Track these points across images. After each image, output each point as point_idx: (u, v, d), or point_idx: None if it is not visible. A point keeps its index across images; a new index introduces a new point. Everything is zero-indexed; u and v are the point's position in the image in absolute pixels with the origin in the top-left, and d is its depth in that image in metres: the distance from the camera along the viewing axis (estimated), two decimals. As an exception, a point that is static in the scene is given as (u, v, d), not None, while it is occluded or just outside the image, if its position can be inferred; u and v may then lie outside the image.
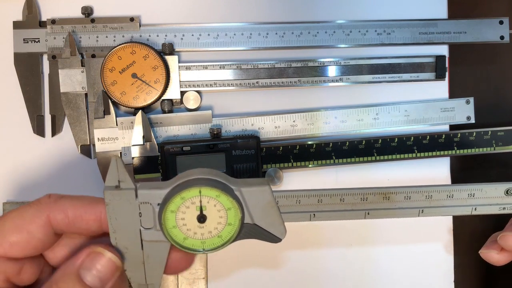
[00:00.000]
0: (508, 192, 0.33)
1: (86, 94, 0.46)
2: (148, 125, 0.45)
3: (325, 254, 0.49)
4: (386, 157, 0.48)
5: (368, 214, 0.33)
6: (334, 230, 0.49)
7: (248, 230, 0.32)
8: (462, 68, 0.50)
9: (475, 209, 0.34)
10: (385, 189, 0.33)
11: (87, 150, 0.47)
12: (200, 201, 0.31)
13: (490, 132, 0.48)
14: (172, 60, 0.46)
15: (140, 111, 0.45)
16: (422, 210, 0.33)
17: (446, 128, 0.50)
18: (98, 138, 0.46)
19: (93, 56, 0.47)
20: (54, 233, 0.31)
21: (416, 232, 0.50)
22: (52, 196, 0.31)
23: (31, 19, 0.47)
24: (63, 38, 0.46)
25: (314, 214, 0.33)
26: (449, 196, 0.33)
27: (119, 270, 0.31)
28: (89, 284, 0.29)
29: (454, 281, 0.50)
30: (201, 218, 0.31)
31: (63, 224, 0.30)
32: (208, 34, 0.48)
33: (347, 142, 0.48)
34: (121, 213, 0.31)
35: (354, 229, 0.49)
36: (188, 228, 0.31)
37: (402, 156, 0.48)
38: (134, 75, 0.46)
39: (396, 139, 0.48)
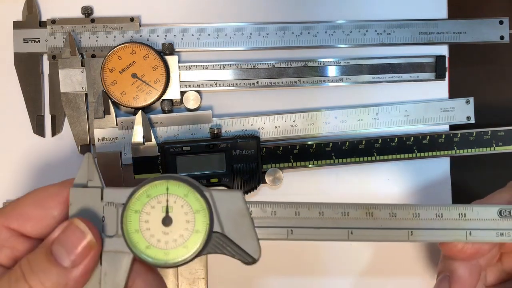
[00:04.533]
0: (502, 214, 0.31)
1: (86, 94, 0.46)
2: (148, 125, 0.45)
3: (326, 252, 0.49)
4: (386, 157, 0.48)
5: (352, 233, 0.30)
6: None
7: (217, 242, 0.29)
8: (462, 68, 0.50)
9: (470, 233, 0.31)
10: (367, 205, 0.30)
11: (87, 150, 0.47)
12: (167, 200, 0.29)
13: (490, 132, 0.48)
14: (172, 60, 0.46)
15: (140, 111, 0.45)
16: (412, 232, 0.30)
17: (446, 128, 0.50)
18: (98, 138, 0.46)
19: (93, 56, 0.47)
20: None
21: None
22: (73, 179, 0.31)
23: (31, 19, 0.47)
24: (63, 38, 0.46)
25: (291, 231, 0.30)
26: (438, 216, 0.30)
27: (94, 249, 0.28)
28: (59, 262, 0.28)
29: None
30: (167, 220, 0.29)
31: None
32: (208, 34, 0.48)
33: (347, 142, 0.48)
34: (84, 216, 0.29)
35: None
36: (151, 234, 0.29)
37: (402, 156, 0.48)
38: (134, 75, 0.46)
39: (396, 139, 0.48)
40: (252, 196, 0.48)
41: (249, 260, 0.30)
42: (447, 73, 0.49)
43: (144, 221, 0.29)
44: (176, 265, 0.29)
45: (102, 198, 0.29)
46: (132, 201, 0.29)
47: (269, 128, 0.48)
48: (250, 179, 0.46)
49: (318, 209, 0.30)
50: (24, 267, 0.28)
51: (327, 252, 0.49)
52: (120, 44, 0.46)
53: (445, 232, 0.31)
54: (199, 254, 0.29)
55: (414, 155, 0.48)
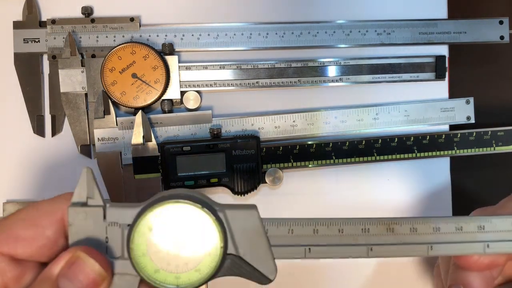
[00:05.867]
0: None
1: (86, 94, 0.46)
2: (148, 125, 0.45)
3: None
4: (386, 157, 0.48)
5: (371, 250, 0.28)
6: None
7: (231, 264, 0.27)
8: (462, 68, 0.50)
9: (488, 246, 0.30)
10: (388, 219, 0.29)
11: (87, 150, 0.47)
12: None
13: (490, 132, 0.48)
14: (172, 60, 0.46)
15: (140, 111, 0.45)
16: (432, 247, 0.29)
17: (446, 128, 0.50)
18: (98, 138, 0.46)
19: (93, 56, 0.47)
20: (65, 238, 0.28)
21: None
22: (69, 194, 0.29)
23: (31, 19, 0.47)
24: (63, 38, 0.46)
25: (309, 249, 0.28)
26: (458, 229, 0.30)
27: (105, 280, 0.26)
28: None
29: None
30: (177, 244, 0.27)
31: None
32: (208, 34, 0.48)
33: (347, 142, 0.48)
34: (86, 236, 0.27)
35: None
36: (160, 257, 0.27)
37: (402, 156, 0.48)
38: (134, 75, 0.46)
39: (396, 139, 0.48)
40: (252, 196, 0.48)
41: (265, 281, 0.28)
42: (447, 73, 0.49)
43: (153, 244, 0.27)
44: None
45: (104, 217, 0.27)
46: (139, 222, 0.27)
47: (269, 128, 0.48)
48: (250, 179, 0.46)
49: (337, 226, 0.28)
50: None
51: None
52: (120, 44, 0.46)
53: (463, 245, 0.30)
54: (212, 277, 0.27)
55: (414, 155, 0.48)
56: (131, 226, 0.27)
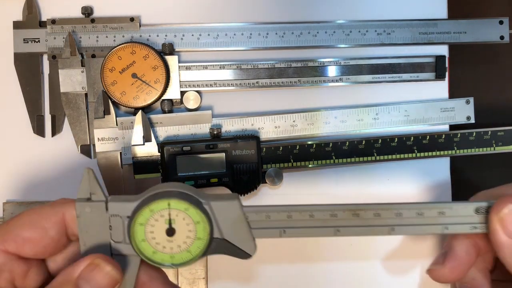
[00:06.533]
0: (478, 211, 0.32)
1: (86, 94, 0.46)
2: (148, 125, 0.45)
3: (326, 253, 0.49)
4: (386, 157, 0.48)
5: (339, 231, 0.32)
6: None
7: (217, 245, 0.32)
8: (462, 68, 0.50)
9: (447, 228, 0.32)
10: (354, 206, 0.32)
11: (87, 150, 0.47)
12: (169, 214, 0.31)
13: (490, 132, 0.48)
14: (172, 60, 0.46)
15: (140, 111, 0.45)
16: (393, 228, 0.32)
17: (446, 128, 0.50)
18: (98, 138, 0.46)
19: (93, 56, 0.47)
20: (66, 236, 0.31)
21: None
22: (67, 199, 0.32)
23: (31, 19, 0.47)
24: (63, 38, 0.46)
25: (284, 231, 0.32)
26: (419, 214, 0.32)
27: (118, 283, 0.30)
28: None
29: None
30: (170, 232, 0.31)
31: (75, 226, 0.31)
32: (208, 34, 0.48)
33: (347, 142, 0.48)
34: (92, 226, 0.31)
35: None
36: (157, 242, 0.31)
37: (402, 156, 0.48)
38: (134, 75, 0.46)
39: (396, 139, 0.48)
40: (252, 196, 0.48)
41: (247, 256, 0.32)
42: (447, 73, 0.49)
43: (149, 232, 0.31)
44: (181, 266, 0.32)
45: (107, 209, 0.31)
46: (137, 216, 0.30)
47: (269, 128, 0.48)
48: (250, 179, 0.46)
49: (308, 212, 0.32)
50: None
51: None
52: (120, 44, 0.46)
53: (423, 227, 0.32)
54: (201, 256, 0.31)
55: (414, 155, 0.48)
56: (130, 219, 0.31)
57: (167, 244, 0.31)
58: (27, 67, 0.47)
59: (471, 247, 0.35)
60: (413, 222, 0.32)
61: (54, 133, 0.48)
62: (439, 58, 0.49)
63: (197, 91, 0.47)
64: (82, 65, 0.46)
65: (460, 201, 0.33)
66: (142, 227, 0.31)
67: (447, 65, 0.49)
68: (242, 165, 0.46)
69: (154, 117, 0.46)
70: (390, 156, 0.48)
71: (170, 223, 0.31)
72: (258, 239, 0.32)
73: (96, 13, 0.48)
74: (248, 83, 0.48)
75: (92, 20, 0.47)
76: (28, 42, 0.47)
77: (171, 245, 0.31)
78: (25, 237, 0.30)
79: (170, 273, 0.47)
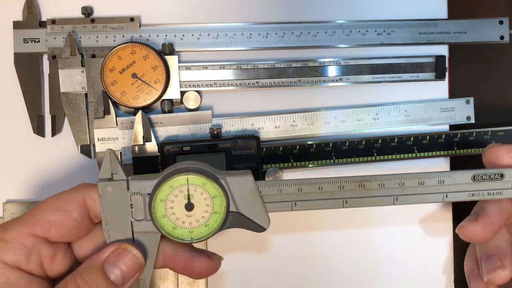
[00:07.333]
0: (475, 178, 0.34)
1: (86, 94, 0.46)
2: (148, 125, 0.45)
3: (327, 250, 0.49)
4: (386, 157, 0.48)
5: (346, 202, 0.34)
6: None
7: (233, 219, 0.33)
8: (462, 68, 0.50)
9: (446, 196, 0.34)
10: (360, 177, 0.34)
11: (87, 150, 0.47)
12: (188, 189, 0.32)
13: (490, 132, 0.48)
14: (172, 60, 0.46)
15: (140, 111, 0.45)
16: (397, 198, 0.34)
17: (446, 128, 0.50)
18: (98, 138, 0.46)
19: (93, 56, 0.47)
20: (89, 218, 0.33)
21: (416, 232, 0.50)
22: (86, 183, 0.33)
23: (31, 19, 0.47)
24: (63, 38, 0.46)
25: (295, 203, 0.34)
26: (421, 183, 0.34)
27: (142, 268, 0.32)
28: (112, 280, 0.31)
29: (454, 281, 0.50)
30: (189, 206, 0.32)
31: (96, 208, 0.32)
32: (208, 34, 0.48)
33: (347, 142, 0.48)
34: (113, 205, 0.32)
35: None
36: (176, 217, 0.33)
37: (402, 156, 0.48)
38: (134, 75, 0.46)
39: (396, 139, 0.48)
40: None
41: (261, 229, 0.34)
42: (447, 73, 0.49)
43: (169, 207, 0.32)
44: (200, 241, 0.33)
45: (128, 188, 0.32)
46: (158, 192, 0.32)
47: (269, 128, 0.48)
48: (250, 179, 0.46)
49: (318, 185, 0.34)
50: (79, 281, 0.30)
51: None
52: (120, 44, 0.46)
53: (425, 196, 0.35)
54: (219, 230, 0.33)
55: (414, 155, 0.48)
56: (151, 195, 0.32)
57: (186, 219, 0.32)
58: (27, 67, 0.47)
59: (502, 209, 0.36)
60: (415, 191, 0.34)
61: (54, 133, 0.48)
62: (439, 58, 0.49)
63: (197, 91, 0.47)
64: (82, 65, 0.46)
65: (458, 170, 0.35)
66: (163, 203, 0.32)
67: (447, 65, 0.49)
68: (242, 165, 0.46)
69: (154, 117, 0.46)
70: (390, 156, 0.48)
71: (189, 198, 0.32)
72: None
73: (96, 13, 0.48)
74: (248, 83, 0.48)
75: (92, 20, 0.47)
76: (28, 42, 0.47)
77: (190, 220, 0.33)
78: (50, 221, 0.31)
79: (170, 273, 0.47)
